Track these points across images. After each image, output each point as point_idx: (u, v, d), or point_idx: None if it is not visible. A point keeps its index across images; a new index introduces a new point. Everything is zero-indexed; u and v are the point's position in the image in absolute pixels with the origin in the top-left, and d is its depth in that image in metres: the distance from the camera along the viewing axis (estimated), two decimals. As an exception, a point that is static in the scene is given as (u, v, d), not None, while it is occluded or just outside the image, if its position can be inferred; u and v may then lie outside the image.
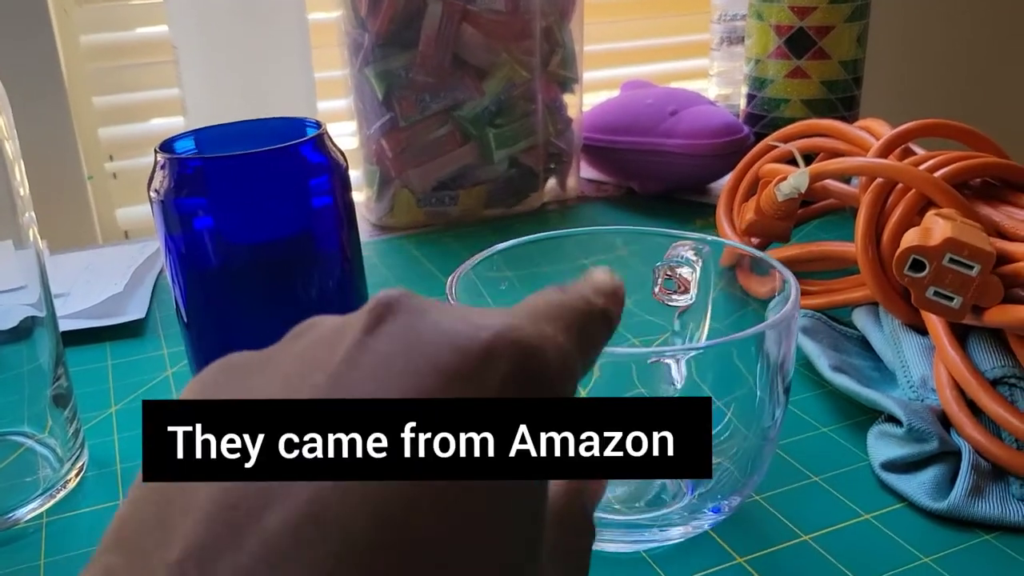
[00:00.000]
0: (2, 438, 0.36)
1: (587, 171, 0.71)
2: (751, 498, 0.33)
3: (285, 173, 0.33)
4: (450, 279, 0.31)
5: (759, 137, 0.62)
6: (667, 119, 0.63)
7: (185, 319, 0.36)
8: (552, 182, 0.68)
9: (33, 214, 0.34)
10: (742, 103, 0.65)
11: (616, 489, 0.32)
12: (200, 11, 0.56)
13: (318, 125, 0.35)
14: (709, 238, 0.34)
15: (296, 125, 0.37)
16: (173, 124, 0.78)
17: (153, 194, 0.34)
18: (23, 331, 0.35)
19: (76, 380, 0.43)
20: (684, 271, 0.34)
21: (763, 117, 0.63)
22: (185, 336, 0.36)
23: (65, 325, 0.47)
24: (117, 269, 0.54)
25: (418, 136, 0.62)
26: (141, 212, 0.85)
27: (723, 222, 0.51)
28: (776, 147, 0.50)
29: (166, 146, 0.35)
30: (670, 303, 0.34)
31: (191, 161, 0.33)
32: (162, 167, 0.33)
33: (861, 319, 0.43)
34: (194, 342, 0.36)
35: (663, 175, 0.65)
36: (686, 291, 0.34)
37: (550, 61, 0.64)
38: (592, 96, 0.78)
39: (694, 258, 0.34)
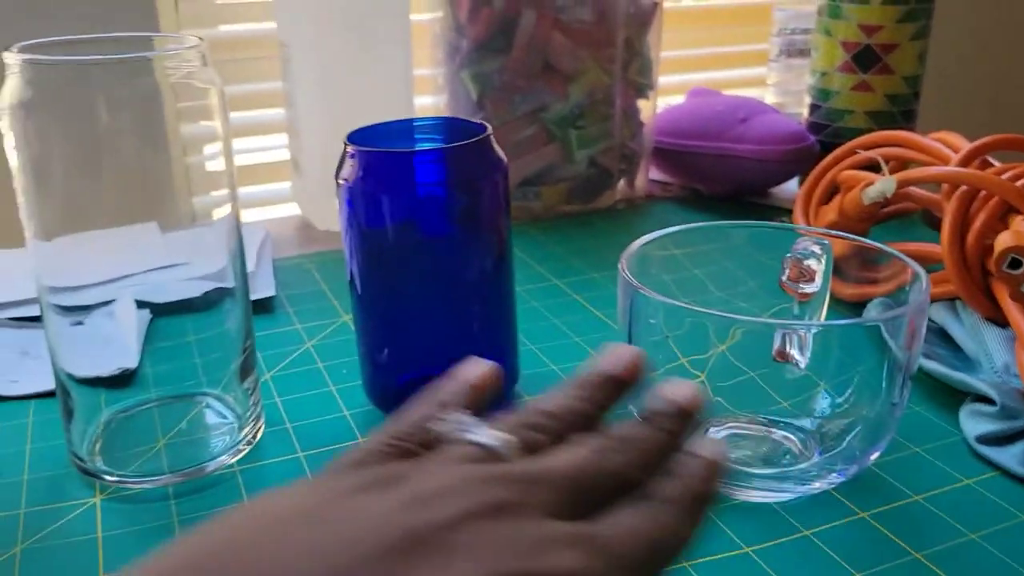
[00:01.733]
0: (191, 398, 0.40)
1: (653, 173, 0.76)
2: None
3: (460, 167, 0.38)
4: (623, 255, 0.36)
5: (822, 145, 0.67)
6: (737, 125, 0.68)
7: (359, 291, 0.40)
8: (622, 182, 0.73)
9: (237, 194, 0.38)
10: (805, 113, 0.70)
11: (758, 447, 0.36)
12: (311, 11, 0.60)
13: (485, 127, 0.39)
14: (834, 233, 0.38)
15: (460, 124, 0.41)
16: (268, 116, 0.82)
17: (341, 181, 0.38)
18: (212, 302, 0.39)
19: (208, 347, 0.47)
20: (811, 262, 0.38)
21: (827, 127, 0.67)
22: (356, 307, 0.40)
23: (190, 290, 0.51)
24: (211, 248, 0.58)
25: (507, 135, 0.66)
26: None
27: (800, 222, 0.55)
28: (856, 154, 0.54)
29: (352, 138, 0.39)
30: (798, 291, 0.39)
31: (379, 154, 0.37)
32: (351, 156, 0.38)
33: (940, 313, 0.47)
34: (366, 312, 0.40)
35: (731, 178, 0.69)
36: (812, 280, 0.38)
37: (629, 68, 0.69)
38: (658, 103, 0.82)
39: (819, 251, 0.38)
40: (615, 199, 0.72)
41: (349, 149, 0.38)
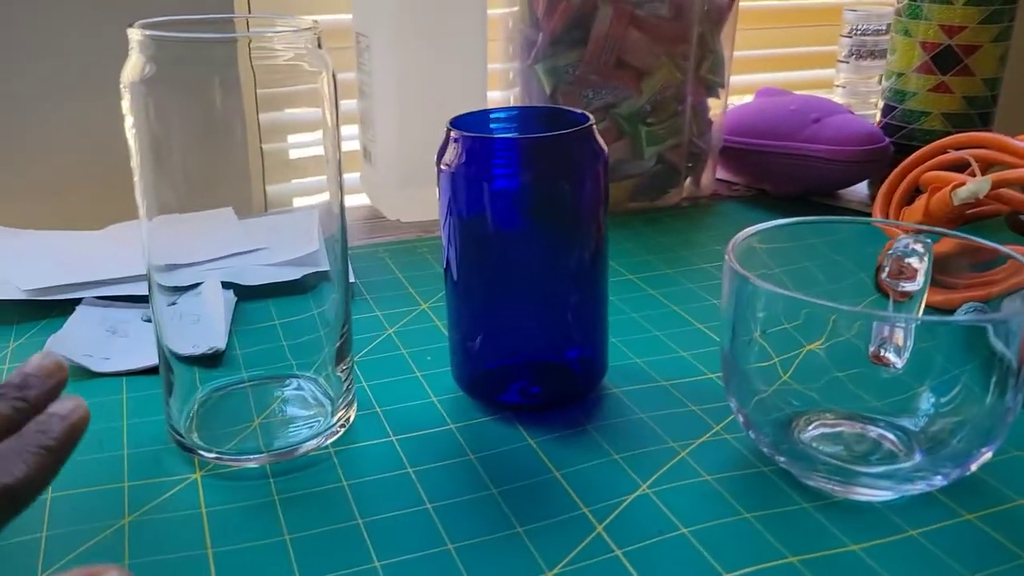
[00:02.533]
0: (283, 380, 0.40)
1: (720, 172, 0.75)
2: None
3: (565, 156, 0.38)
4: (729, 244, 0.35)
5: (897, 147, 0.66)
6: (810, 125, 0.67)
7: (455, 278, 0.40)
8: (687, 180, 0.73)
9: (343, 178, 0.38)
10: (878, 114, 0.69)
11: (859, 445, 0.36)
12: (391, 2, 0.61)
13: (587, 117, 0.39)
14: (937, 230, 0.38)
15: (561, 114, 0.41)
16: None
17: (444, 167, 0.38)
18: (308, 286, 0.39)
19: (302, 330, 0.47)
20: (913, 260, 0.38)
21: (902, 128, 0.67)
22: (451, 293, 0.41)
23: (282, 274, 0.51)
24: (298, 230, 0.58)
25: (579, 129, 0.66)
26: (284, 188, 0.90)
27: (883, 223, 0.55)
28: (939, 154, 0.54)
29: (454, 124, 0.39)
30: (898, 290, 0.38)
31: (482, 139, 0.38)
32: (455, 141, 0.38)
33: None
34: (460, 299, 0.40)
35: (801, 178, 0.69)
36: (913, 279, 0.38)
37: (701, 66, 0.68)
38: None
39: (922, 250, 0.38)
40: (681, 197, 0.72)
41: (453, 134, 0.38)
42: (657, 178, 0.70)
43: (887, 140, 0.66)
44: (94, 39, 0.65)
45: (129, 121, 0.33)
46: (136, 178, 0.35)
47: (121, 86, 0.33)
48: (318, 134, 0.37)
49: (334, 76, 0.36)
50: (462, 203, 0.38)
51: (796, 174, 0.68)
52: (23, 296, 0.50)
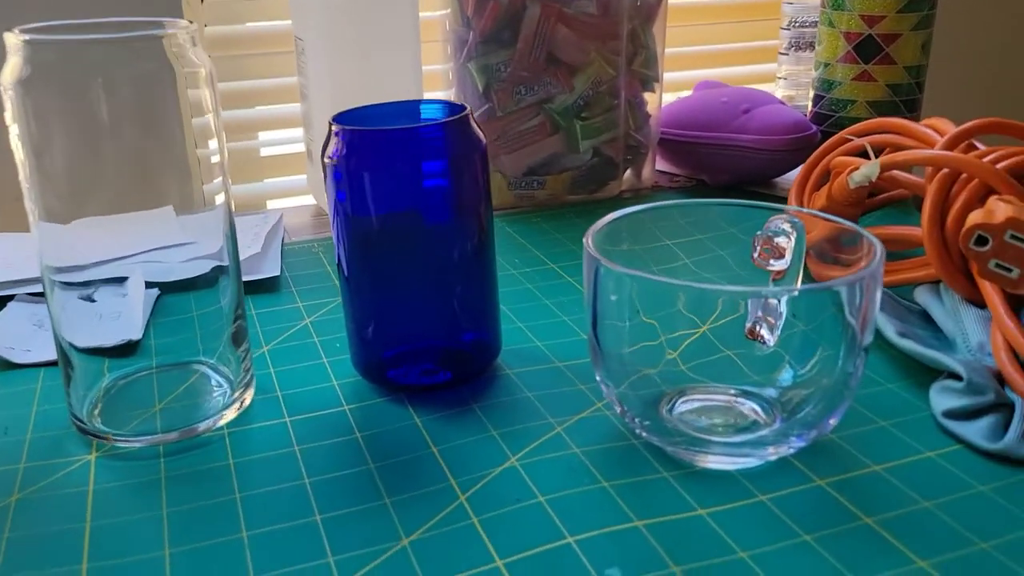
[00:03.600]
0: (188, 366, 0.42)
1: (660, 163, 0.77)
2: (827, 436, 0.38)
3: (443, 145, 0.39)
4: (587, 232, 0.37)
5: (825, 135, 0.68)
6: (740, 116, 0.69)
7: (346, 273, 0.42)
8: (628, 172, 0.74)
9: (229, 181, 0.40)
10: (809, 104, 0.70)
11: (725, 417, 0.37)
12: (324, 7, 0.63)
13: (463, 107, 0.41)
14: (805, 210, 0.39)
15: (440, 106, 0.43)
16: (282, 110, 0.85)
17: (327, 160, 0.40)
18: (211, 280, 0.41)
19: (206, 320, 0.50)
20: (781, 240, 0.39)
21: (830, 117, 0.68)
22: (344, 289, 0.42)
23: (193, 270, 0.54)
24: (249, 234, 0.61)
25: (512, 125, 0.68)
26: (245, 189, 0.92)
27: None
28: (849, 140, 0.55)
29: (337, 120, 0.41)
30: (768, 268, 0.40)
31: (361, 132, 0.39)
32: (336, 135, 0.40)
33: (923, 296, 0.48)
34: (352, 295, 0.42)
35: (734, 168, 0.70)
36: (781, 257, 0.39)
37: (634, 61, 0.70)
38: (666, 96, 0.83)
39: (789, 229, 0.39)
40: (620, 189, 0.73)
41: (334, 128, 0.40)
42: (595, 171, 0.71)
43: (814, 128, 0.67)
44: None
45: (12, 123, 0.35)
46: (23, 182, 0.36)
47: (1, 89, 0.35)
48: (207, 121, 0.39)
49: (213, 75, 0.38)
50: (344, 195, 0.40)
51: (729, 164, 0.70)
52: (-42, 295, 0.52)
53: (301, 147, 0.83)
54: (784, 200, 0.68)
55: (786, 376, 0.37)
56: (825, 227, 0.41)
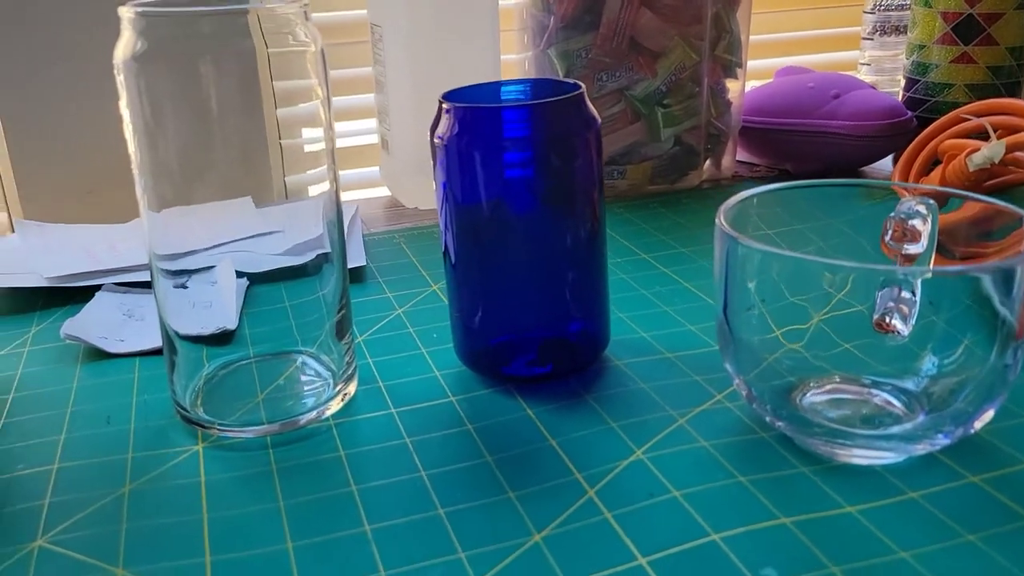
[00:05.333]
0: (287, 356, 0.41)
1: (740, 153, 0.75)
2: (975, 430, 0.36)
3: (555, 123, 0.38)
4: (721, 208, 0.35)
5: (920, 121, 0.65)
6: (830, 102, 0.66)
7: (453, 259, 0.40)
8: (708, 162, 0.72)
9: (337, 166, 0.39)
10: (900, 89, 0.68)
11: (859, 409, 0.35)
12: (403, -8, 0.61)
13: (578, 86, 0.39)
14: (941, 189, 0.37)
15: (551, 84, 0.41)
16: (348, 102, 0.83)
17: (436, 140, 0.38)
18: (312, 268, 0.40)
19: (306, 310, 0.48)
20: (916, 222, 0.37)
21: (925, 102, 0.65)
22: (450, 275, 0.41)
23: (289, 260, 0.52)
24: (307, 220, 0.59)
25: (593, 113, 0.66)
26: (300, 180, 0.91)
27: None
28: (964, 120, 0.52)
29: (447, 97, 0.39)
30: (901, 253, 0.38)
31: (474, 109, 0.38)
32: (447, 113, 0.38)
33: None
34: (460, 279, 0.40)
35: (823, 156, 0.68)
36: (916, 241, 0.37)
37: (717, 46, 0.68)
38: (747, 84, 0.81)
39: (924, 211, 0.37)
40: (700, 179, 0.71)
41: (445, 106, 0.38)
42: (676, 160, 0.69)
43: (909, 114, 0.64)
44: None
45: (123, 101, 0.34)
46: (133, 164, 0.35)
47: (114, 67, 0.34)
48: (317, 128, 0.37)
49: (323, 52, 0.37)
50: (455, 175, 0.38)
51: (817, 152, 0.67)
52: (46, 284, 0.52)
53: (367, 139, 0.82)
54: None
55: (928, 366, 0.35)
56: (968, 209, 0.39)
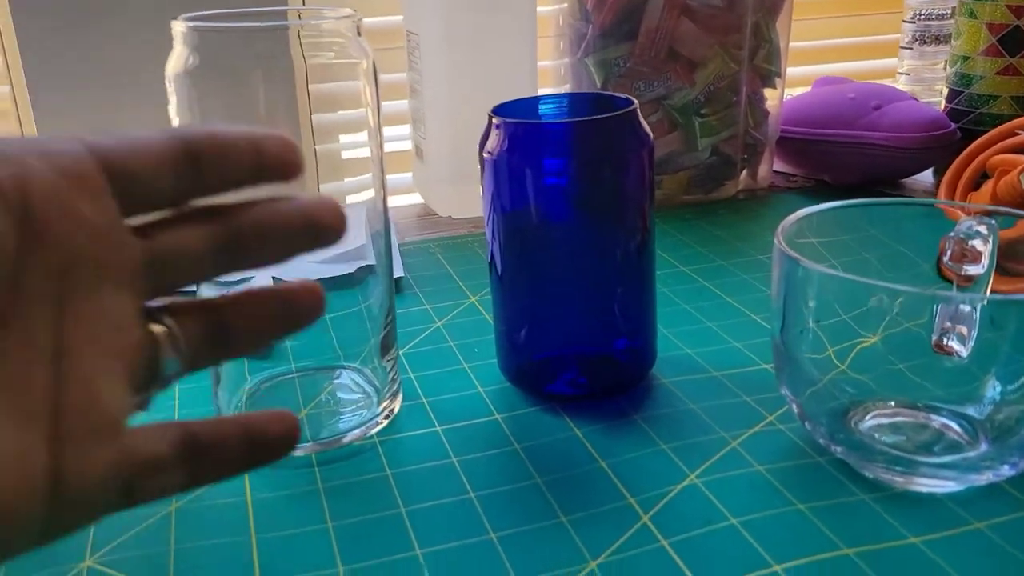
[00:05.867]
0: (331, 371, 0.40)
1: (777, 163, 0.74)
2: (1036, 456, 0.35)
3: (608, 140, 0.37)
4: (778, 230, 0.34)
5: (963, 133, 0.64)
6: (871, 113, 0.65)
7: (499, 272, 0.40)
8: (744, 172, 0.71)
9: (385, 176, 0.38)
10: (943, 100, 0.67)
11: (921, 435, 0.34)
12: (442, 1, 0.61)
13: (631, 101, 0.39)
14: (1003, 209, 0.36)
15: (602, 100, 0.40)
16: (391, 107, 0.83)
17: (486, 155, 0.38)
18: (357, 280, 0.39)
19: (349, 323, 0.48)
20: (976, 243, 0.36)
21: (968, 113, 0.64)
22: (496, 288, 0.40)
23: (332, 270, 0.52)
24: (350, 229, 0.59)
25: (630, 122, 0.65)
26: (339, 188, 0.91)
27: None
28: (1009, 137, 0.51)
29: (498, 112, 0.39)
30: (961, 274, 0.37)
31: (525, 125, 0.37)
32: (497, 128, 0.37)
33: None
34: (506, 294, 0.40)
35: (862, 168, 0.67)
36: (977, 262, 0.36)
37: (756, 55, 0.67)
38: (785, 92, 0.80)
39: (985, 232, 0.36)
40: (737, 189, 0.70)
41: (495, 121, 0.38)
42: (712, 170, 0.68)
43: (953, 126, 0.63)
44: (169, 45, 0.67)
45: (174, 112, 0.34)
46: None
47: (166, 80, 0.33)
48: (362, 133, 0.37)
49: (375, 66, 0.36)
50: (504, 190, 0.38)
51: (856, 163, 0.66)
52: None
53: (398, 145, 0.82)
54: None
55: (992, 393, 0.34)
56: (1012, 232, 0.38)
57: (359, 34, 0.35)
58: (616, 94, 0.40)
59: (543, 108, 0.41)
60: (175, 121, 0.34)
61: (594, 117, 0.37)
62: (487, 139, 0.38)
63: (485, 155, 0.38)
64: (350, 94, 0.36)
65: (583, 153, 0.37)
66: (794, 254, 0.33)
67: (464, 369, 0.44)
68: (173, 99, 0.34)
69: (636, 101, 0.38)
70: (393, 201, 0.76)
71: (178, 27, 0.33)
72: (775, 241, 0.34)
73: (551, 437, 0.38)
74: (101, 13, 0.65)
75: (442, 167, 0.65)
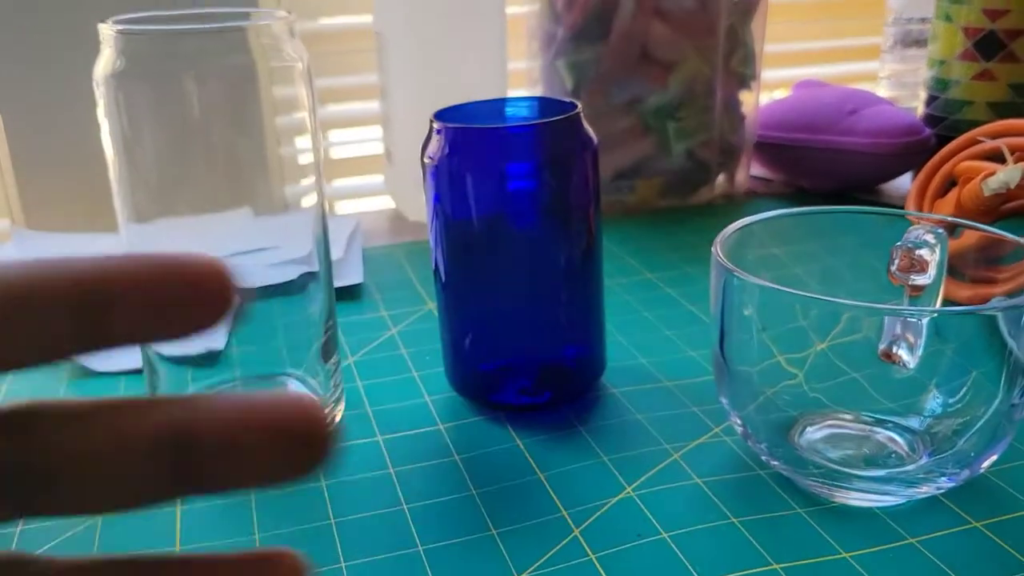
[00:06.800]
0: (274, 378, 0.40)
1: (755, 168, 0.73)
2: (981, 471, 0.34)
3: (550, 145, 0.36)
4: (716, 241, 0.34)
5: (939, 138, 0.63)
6: (846, 118, 0.65)
7: (443, 280, 0.39)
8: (721, 178, 0.70)
9: (324, 181, 0.38)
10: (920, 105, 0.66)
11: (860, 448, 0.34)
12: (410, 1, 0.60)
13: (574, 104, 0.38)
14: (949, 219, 0.35)
15: (546, 104, 0.40)
16: (351, 110, 0.83)
17: (427, 160, 0.37)
18: (299, 287, 0.39)
19: (292, 329, 0.47)
20: (924, 252, 0.35)
21: (944, 119, 0.63)
22: (441, 296, 0.40)
23: (279, 275, 0.52)
24: (296, 235, 0.59)
25: (602, 126, 0.65)
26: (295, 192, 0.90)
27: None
28: (979, 143, 0.51)
29: (440, 116, 0.38)
30: (908, 283, 0.36)
31: (465, 129, 0.37)
32: (438, 133, 0.37)
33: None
34: (450, 302, 0.39)
35: (838, 173, 0.66)
36: (924, 271, 0.36)
37: (731, 58, 0.66)
38: (761, 97, 0.79)
39: (933, 241, 0.35)
40: (713, 194, 0.69)
41: (436, 126, 0.37)
42: (687, 175, 0.68)
43: (928, 131, 0.63)
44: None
45: (103, 116, 0.33)
46: (112, 179, 0.35)
47: (94, 83, 0.33)
48: (304, 137, 0.36)
49: (309, 70, 0.36)
50: (446, 196, 0.37)
51: (833, 169, 0.66)
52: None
53: (370, 148, 0.81)
54: (897, 207, 0.64)
55: (934, 405, 0.33)
56: (972, 238, 0.37)
57: (292, 36, 0.35)
58: (563, 99, 0.39)
59: (494, 112, 0.41)
60: (104, 124, 0.34)
61: (535, 121, 0.36)
62: (428, 144, 0.37)
63: (427, 160, 0.37)
64: (288, 98, 0.36)
65: (525, 158, 0.36)
66: (730, 265, 0.32)
67: (413, 377, 0.43)
68: (101, 102, 0.33)
69: (579, 104, 0.38)
70: (367, 205, 0.76)
71: (105, 30, 0.32)
72: (713, 251, 0.33)
73: (492, 448, 0.37)
74: (58, 29, 0.64)
75: (410, 170, 0.64)
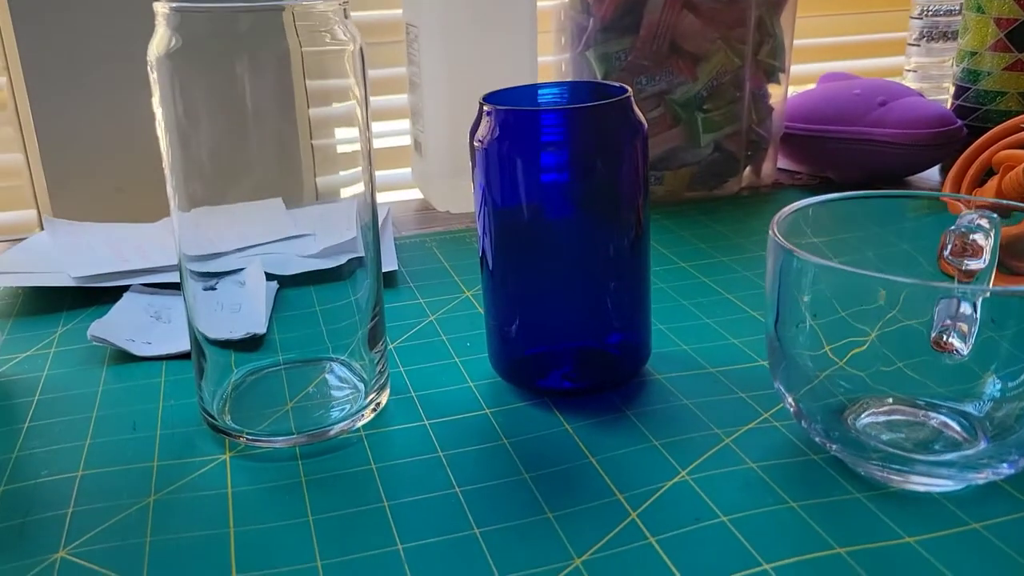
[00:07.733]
0: (318, 363, 0.40)
1: (781, 160, 0.73)
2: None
3: (603, 128, 0.36)
4: (772, 222, 0.33)
5: (970, 129, 0.63)
6: (876, 109, 0.64)
7: (490, 265, 0.39)
8: (747, 169, 0.70)
9: (373, 167, 0.38)
10: (949, 97, 0.66)
11: (918, 433, 0.33)
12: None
13: (624, 89, 0.38)
14: (1007, 203, 0.35)
15: (596, 88, 0.40)
16: (390, 102, 0.82)
17: (476, 143, 0.37)
18: (345, 273, 0.39)
19: (338, 315, 0.47)
20: (978, 237, 0.35)
21: (975, 110, 0.63)
22: (487, 282, 0.39)
23: (321, 263, 0.51)
24: (340, 222, 0.58)
25: (631, 117, 0.65)
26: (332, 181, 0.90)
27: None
28: (1015, 132, 0.50)
29: (489, 99, 0.38)
30: (961, 268, 0.36)
31: (516, 112, 0.36)
32: (488, 115, 0.37)
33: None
34: (497, 288, 0.39)
35: (867, 165, 0.66)
36: (978, 256, 0.35)
37: (760, 50, 0.66)
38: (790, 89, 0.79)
39: (987, 226, 0.35)
40: (740, 186, 0.69)
41: (486, 108, 0.37)
42: (715, 167, 0.67)
43: (959, 122, 0.62)
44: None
45: (156, 98, 0.33)
46: (165, 162, 0.34)
47: (148, 64, 0.33)
48: (353, 128, 0.36)
49: (363, 53, 0.35)
50: (495, 180, 0.37)
51: (862, 160, 0.65)
52: (73, 283, 0.51)
53: (399, 140, 0.81)
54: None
55: (992, 390, 0.33)
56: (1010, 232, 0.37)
57: (346, 17, 0.35)
58: (610, 83, 0.39)
59: (537, 96, 0.40)
60: (157, 111, 0.33)
61: (585, 104, 0.36)
62: (477, 126, 0.37)
63: (475, 143, 0.37)
64: (338, 78, 0.35)
65: (574, 141, 0.36)
66: (789, 245, 0.32)
67: (455, 363, 0.43)
68: (155, 83, 0.33)
69: (629, 88, 0.37)
70: (392, 196, 0.76)
71: (160, 8, 0.32)
72: (770, 232, 0.33)
73: (541, 432, 0.37)
74: None
75: (440, 162, 0.64)
